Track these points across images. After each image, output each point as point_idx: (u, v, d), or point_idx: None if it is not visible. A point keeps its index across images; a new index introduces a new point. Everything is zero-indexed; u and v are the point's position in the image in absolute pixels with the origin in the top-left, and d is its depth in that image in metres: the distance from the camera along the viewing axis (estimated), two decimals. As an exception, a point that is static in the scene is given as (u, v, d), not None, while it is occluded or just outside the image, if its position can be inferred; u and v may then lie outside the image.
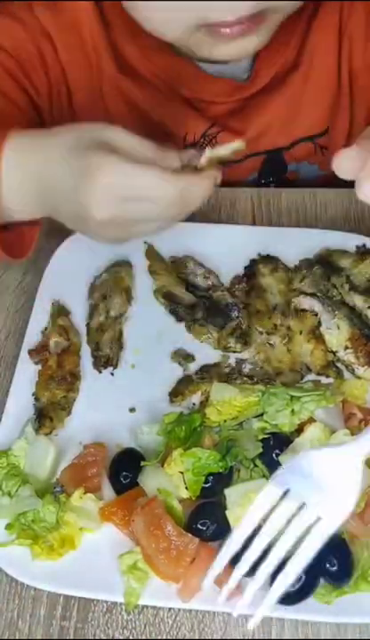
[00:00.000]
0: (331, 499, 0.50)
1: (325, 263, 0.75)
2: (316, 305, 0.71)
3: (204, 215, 0.84)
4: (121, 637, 0.56)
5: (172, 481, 0.58)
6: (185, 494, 0.58)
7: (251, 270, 0.76)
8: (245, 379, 0.68)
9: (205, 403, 0.65)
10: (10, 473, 0.61)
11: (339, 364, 0.69)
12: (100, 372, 0.70)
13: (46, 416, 0.66)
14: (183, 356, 0.70)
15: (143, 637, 0.56)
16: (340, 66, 0.83)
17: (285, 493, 0.51)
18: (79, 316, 0.74)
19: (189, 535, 0.55)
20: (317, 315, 0.71)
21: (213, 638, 0.55)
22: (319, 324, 0.70)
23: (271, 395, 0.61)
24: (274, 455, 0.59)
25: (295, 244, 0.77)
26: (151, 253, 0.78)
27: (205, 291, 0.75)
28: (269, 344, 0.70)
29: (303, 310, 0.71)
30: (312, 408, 0.60)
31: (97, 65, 0.81)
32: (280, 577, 0.50)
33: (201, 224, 0.82)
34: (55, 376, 0.69)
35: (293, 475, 0.52)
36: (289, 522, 0.50)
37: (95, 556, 0.58)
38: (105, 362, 0.70)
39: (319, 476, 0.50)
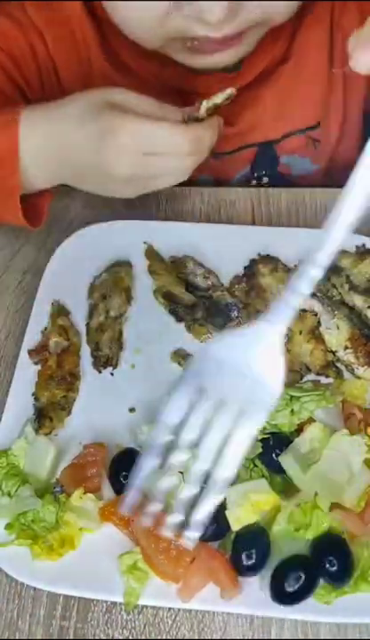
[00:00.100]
0: (252, 388, 0.44)
1: (325, 263, 0.75)
2: (316, 305, 0.71)
3: (204, 215, 0.84)
4: (121, 637, 0.56)
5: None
6: (185, 494, 0.58)
7: (251, 270, 0.76)
8: (244, 379, 0.68)
9: (204, 403, 0.65)
10: (10, 473, 0.61)
11: (339, 364, 0.69)
12: (100, 372, 0.70)
13: (46, 416, 0.66)
14: (183, 356, 0.70)
15: (143, 637, 0.56)
16: (332, 61, 0.84)
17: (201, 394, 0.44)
18: (79, 316, 0.74)
19: (189, 535, 0.55)
20: (316, 315, 0.71)
21: (213, 638, 0.55)
22: (319, 323, 0.70)
23: (271, 395, 0.61)
24: (274, 455, 0.59)
25: (295, 244, 0.77)
26: (151, 253, 0.78)
27: (204, 291, 0.75)
28: (269, 344, 0.70)
29: (303, 310, 0.71)
30: (312, 408, 0.60)
31: (87, 59, 0.82)
32: (210, 483, 0.45)
33: (201, 224, 0.82)
34: (55, 376, 0.69)
35: (206, 367, 0.45)
36: (209, 423, 0.44)
37: (95, 556, 0.58)
38: (105, 362, 0.70)
39: (236, 365, 0.44)
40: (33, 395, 0.68)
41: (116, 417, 0.66)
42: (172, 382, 0.67)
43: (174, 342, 0.71)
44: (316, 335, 0.70)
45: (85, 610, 0.57)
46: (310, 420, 0.60)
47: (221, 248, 0.78)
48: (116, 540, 0.58)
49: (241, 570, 0.55)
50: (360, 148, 0.48)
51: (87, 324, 0.73)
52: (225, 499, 0.56)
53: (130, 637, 0.56)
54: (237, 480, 0.58)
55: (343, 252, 0.76)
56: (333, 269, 0.74)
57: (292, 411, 0.60)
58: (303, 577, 0.53)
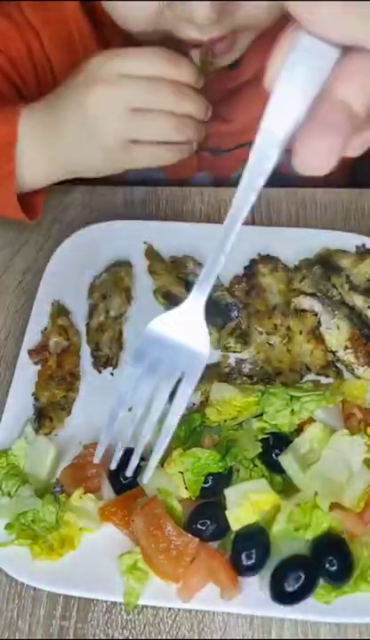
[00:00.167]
0: (187, 353, 0.52)
1: (325, 263, 0.75)
2: (316, 305, 0.71)
3: (204, 215, 0.84)
4: (121, 637, 0.56)
5: (171, 481, 0.58)
6: (185, 494, 0.58)
7: (251, 270, 0.76)
8: (244, 379, 0.68)
9: (204, 403, 0.65)
10: (10, 473, 0.61)
11: (339, 364, 0.69)
12: (100, 372, 0.70)
13: (46, 416, 0.66)
14: (183, 356, 0.70)
15: (143, 637, 0.56)
16: None
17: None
18: (79, 316, 0.74)
19: (189, 535, 0.55)
20: (316, 315, 0.71)
21: (213, 638, 0.55)
22: (319, 323, 0.70)
23: (271, 395, 0.61)
24: (274, 455, 0.59)
25: (295, 244, 0.77)
26: (151, 253, 0.78)
27: (204, 291, 0.75)
28: (269, 344, 0.70)
29: (303, 310, 0.71)
30: (312, 408, 0.60)
31: (84, 59, 0.82)
32: (162, 430, 0.53)
33: (201, 224, 0.82)
34: (55, 376, 0.69)
35: (150, 347, 0.53)
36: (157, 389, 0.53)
37: (95, 556, 0.58)
38: (105, 362, 0.70)
39: (173, 340, 0.52)
40: (33, 395, 0.68)
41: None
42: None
43: (174, 342, 0.71)
44: (316, 335, 0.70)
45: (85, 610, 0.57)
46: (310, 420, 0.60)
47: (221, 248, 0.78)
48: (116, 540, 0.58)
49: (241, 570, 0.55)
50: None
51: (87, 324, 0.73)
52: (225, 499, 0.57)
53: (130, 637, 0.56)
54: (237, 480, 0.58)
55: (343, 252, 0.76)
56: (333, 269, 0.74)
57: (292, 411, 0.60)
58: (303, 577, 0.53)
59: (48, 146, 0.71)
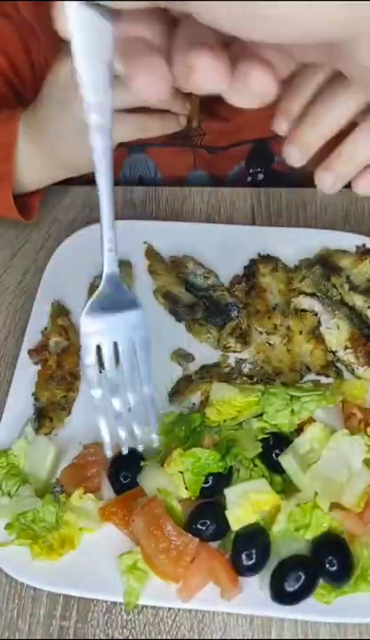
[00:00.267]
0: (126, 320, 0.53)
1: (325, 263, 0.75)
2: (316, 305, 0.71)
3: (204, 215, 0.84)
4: (121, 637, 0.56)
5: (171, 481, 0.58)
6: (185, 494, 0.58)
7: (251, 270, 0.76)
8: (244, 379, 0.68)
9: (204, 403, 0.65)
10: (10, 473, 0.61)
11: (339, 364, 0.69)
12: (100, 371, 0.70)
13: (46, 416, 0.66)
14: (183, 356, 0.70)
15: (143, 637, 0.56)
16: None
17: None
18: (79, 316, 0.74)
19: (189, 535, 0.55)
20: (316, 315, 0.71)
21: (213, 638, 0.55)
22: (319, 323, 0.70)
23: (271, 395, 0.61)
24: (274, 455, 0.59)
25: (295, 244, 0.78)
26: (151, 253, 0.78)
27: (204, 290, 0.75)
28: (269, 344, 0.70)
29: (303, 310, 0.71)
30: (312, 408, 0.60)
31: None
32: (146, 398, 0.53)
33: (201, 224, 0.82)
34: (55, 376, 0.69)
35: (97, 324, 0.53)
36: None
37: (95, 556, 0.58)
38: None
39: (110, 319, 0.53)
40: (33, 395, 0.68)
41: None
42: (172, 382, 0.68)
43: (174, 342, 0.71)
44: (316, 335, 0.70)
45: (85, 610, 0.57)
46: (310, 420, 0.60)
47: (221, 248, 0.78)
48: (116, 540, 0.58)
49: (241, 570, 0.55)
50: None
51: (87, 324, 0.73)
52: (225, 499, 0.57)
53: (130, 637, 0.56)
54: (237, 480, 0.58)
55: (343, 252, 0.76)
56: (333, 269, 0.74)
57: (292, 411, 0.60)
58: (303, 577, 0.53)
59: (43, 146, 0.71)
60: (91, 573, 0.57)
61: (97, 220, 0.87)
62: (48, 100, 0.69)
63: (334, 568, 0.54)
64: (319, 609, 0.54)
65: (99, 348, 0.53)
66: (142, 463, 0.60)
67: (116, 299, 0.52)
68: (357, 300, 0.71)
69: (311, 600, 0.54)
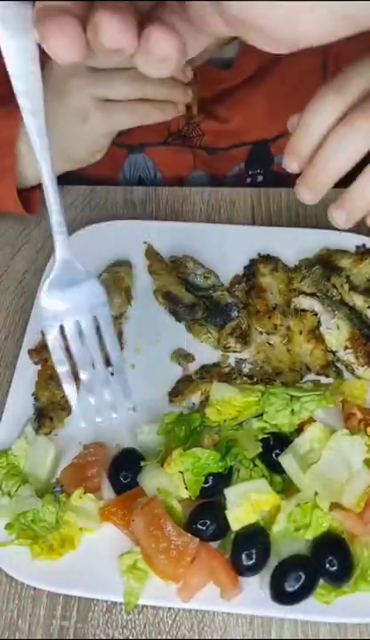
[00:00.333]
0: (87, 299, 0.54)
1: (325, 263, 0.75)
2: (316, 305, 0.71)
3: (204, 215, 0.84)
4: (121, 637, 0.56)
5: (171, 481, 0.58)
6: (185, 494, 0.58)
7: (251, 270, 0.76)
8: (244, 378, 0.68)
9: (204, 403, 0.65)
10: (10, 473, 0.61)
11: (339, 364, 0.69)
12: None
13: (46, 416, 0.66)
14: (183, 356, 0.70)
15: (143, 637, 0.56)
16: (326, 62, 0.84)
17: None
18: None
19: (189, 535, 0.55)
20: (316, 315, 0.71)
21: (213, 638, 0.55)
22: (319, 323, 0.70)
23: (271, 395, 0.61)
24: (274, 455, 0.59)
25: (295, 244, 0.78)
26: (151, 253, 0.78)
27: (204, 290, 0.75)
28: (269, 344, 0.70)
29: (303, 310, 0.71)
30: (312, 408, 0.60)
31: None
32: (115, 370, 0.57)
33: (201, 224, 0.82)
34: (55, 376, 0.68)
35: (55, 318, 0.54)
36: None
37: (95, 555, 0.58)
38: (105, 362, 0.70)
39: (69, 300, 0.54)
40: (33, 395, 0.68)
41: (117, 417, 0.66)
42: (172, 382, 0.68)
43: (174, 342, 0.71)
44: (316, 335, 0.70)
45: (85, 610, 0.57)
46: (310, 420, 0.60)
47: (221, 248, 0.78)
48: (116, 540, 0.58)
49: (241, 570, 0.55)
50: None
51: (87, 324, 0.73)
52: (225, 499, 0.57)
53: (130, 637, 0.56)
54: (237, 480, 0.58)
55: (343, 252, 0.76)
56: (333, 269, 0.74)
57: (292, 411, 0.60)
58: (303, 577, 0.54)
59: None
60: (91, 573, 0.57)
61: (97, 219, 0.88)
62: (46, 90, 0.69)
63: (334, 568, 0.54)
64: (319, 609, 0.54)
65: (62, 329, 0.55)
66: (142, 463, 0.60)
67: (71, 279, 0.54)
68: (357, 300, 0.71)
69: (311, 600, 0.54)
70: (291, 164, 0.54)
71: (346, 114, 0.50)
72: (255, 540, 0.56)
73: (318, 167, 0.52)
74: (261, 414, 0.61)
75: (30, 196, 0.77)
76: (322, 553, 0.55)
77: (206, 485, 0.58)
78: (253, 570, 0.55)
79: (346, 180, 0.53)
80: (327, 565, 0.54)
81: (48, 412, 0.66)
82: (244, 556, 0.55)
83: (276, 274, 0.75)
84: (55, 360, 0.55)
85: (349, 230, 0.80)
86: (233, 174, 0.92)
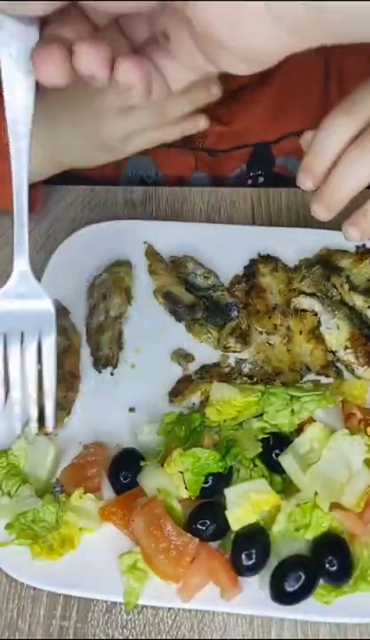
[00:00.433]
0: (35, 315, 0.56)
1: (325, 263, 0.75)
2: (316, 305, 0.71)
3: (204, 215, 0.84)
4: (121, 637, 0.56)
5: (171, 481, 0.58)
6: (185, 494, 0.58)
7: (251, 270, 0.76)
8: (244, 378, 0.68)
9: (204, 403, 0.65)
10: (10, 473, 0.61)
11: (339, 364, 0.69)
12: (100, 371, 0.70)
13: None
14: (183, 356, 0.70)
15: (143, 637, 0.56)
16: (328, 65, 0.84)
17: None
18: (79, 316, 0.74)
19: (189, 535, 0.55)
20: (316, 315, 0.71)
21: (213, 638, 0.55)
22: (319, 323, 0.70)
23: (271, 395, 0.61)
24: (274, 455, 0.59)
25: (295, 244, 0.77)
26: (151, 253, 0.78)
27: (204, 290, 0.75)
28: (269, 344, 0.70)
29: (303, 310, 0.71)
30: (312, 408, 0.60)
31: None
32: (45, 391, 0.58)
33: (201, 224, 0.82)
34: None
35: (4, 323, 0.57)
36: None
37: (95, 556, 0.58)
38: (105, 362, 0.70)
39: (18, 311, 0.56)
40: (33, 395, 0.68)
41: (116, 417, 0.66)
42: (172, 382, 0.68)
43: (174, 342, 0.71)
44: (316, 335, 0.70)
45: (85, 610, 0.57)
46: (310, 420, 0.60)
47: (221, 248, 0.78)
48: (116, 540, 0.58)
49: (241, 570, 0.55)
50: None
51: (87, 324, 0.73)
52: (225, 499, 0.57)
53: (130, 637, 0.56)
54: (237, 480, 0.58)
55: (343, 252, 0.76)
56: (333, 269, 0.74)
57: (292, 411, 0.60)
58: (303, 577, 0.54)
59: (46, 144, 0.71)
60: (91, 573, 0.57)
61: (97, 219, 0.88)
62: (57, 102, 0.68)
63: (334, 568, 0.54)
64: (319, 609, 0.54)
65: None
66: (142, 463, 0.60)
67: (22, 292, 0.56)
68: (357, 300, 0.71)
69: (311, 600, 0.54)
70: (306, 183, 0.56)
71: (360, 133, 0.52)
72: (255, 540, 0.56)
73: (333, 187, 0.54)
74: (261, 414, 0.61)
75: (31, 195, 0.77)
76: (322, 553, 0.55)
77: (206, 485, 0.58)
78: (252, 570, 0.55)
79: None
80: (327, 565, 0.54)
81: (48, 412, 0.66)
82: (244, 556, 0.55)
83: (276, 274, 0.75)
84: None
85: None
86: (234, 176, 0.92)
